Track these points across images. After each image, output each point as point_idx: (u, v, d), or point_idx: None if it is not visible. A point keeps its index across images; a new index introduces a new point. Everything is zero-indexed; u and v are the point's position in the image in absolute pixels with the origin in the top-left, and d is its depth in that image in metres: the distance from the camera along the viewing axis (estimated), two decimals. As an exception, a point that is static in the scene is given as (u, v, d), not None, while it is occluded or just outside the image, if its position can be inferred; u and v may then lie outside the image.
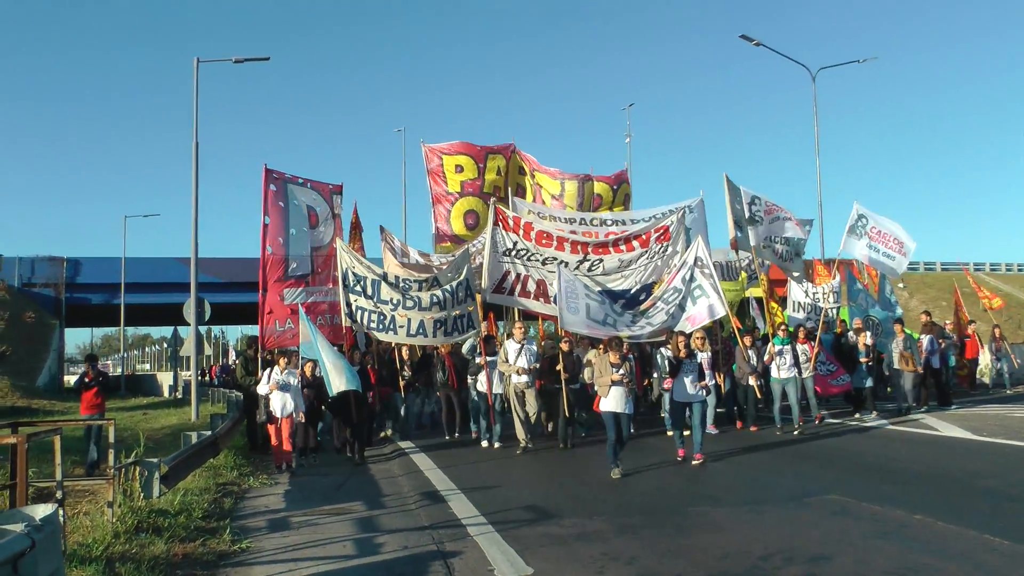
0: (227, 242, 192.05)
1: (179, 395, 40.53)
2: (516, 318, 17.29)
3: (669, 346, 13.45)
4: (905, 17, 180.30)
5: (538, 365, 14.93)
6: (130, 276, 47.54)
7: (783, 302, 20.41)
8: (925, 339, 19.81)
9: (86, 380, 15.42)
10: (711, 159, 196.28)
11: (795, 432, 15.33)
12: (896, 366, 18.41)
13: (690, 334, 13.67)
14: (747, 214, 18.88)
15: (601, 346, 14.22)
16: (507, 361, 14.87)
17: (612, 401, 11.67)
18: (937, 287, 55.12)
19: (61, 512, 6.68)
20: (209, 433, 13.48)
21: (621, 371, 11.67)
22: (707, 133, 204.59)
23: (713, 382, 15.52)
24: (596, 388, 12.10)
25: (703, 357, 14.26)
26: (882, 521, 8.39)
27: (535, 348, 15.37)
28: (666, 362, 13.18)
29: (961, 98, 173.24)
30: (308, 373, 14.66)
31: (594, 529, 8.48)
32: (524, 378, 14.72)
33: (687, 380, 12.52)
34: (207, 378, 44.84)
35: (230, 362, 35.21)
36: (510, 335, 15.92)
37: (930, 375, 19.56)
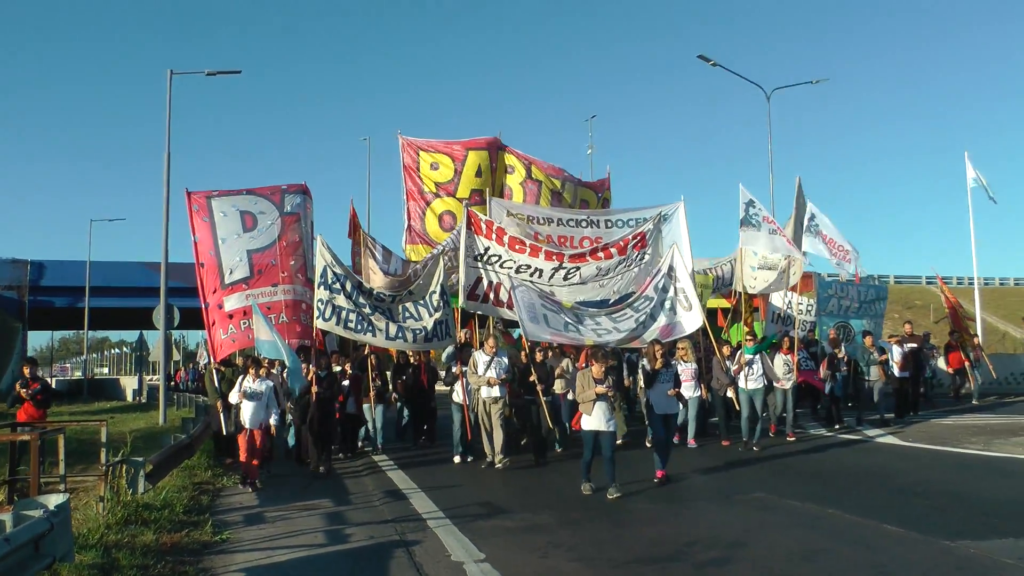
0: (187, 247, 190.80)
1: (143, 400, 40.90)
2: (491, 327, 16.83)
3: (644, 354, 12.76)
4: (855, 42, 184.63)
5: (506, 376, 14.09)
6: (95, 280, 47.79)
7: (754, 312, 20.66)
8: (897, 349, 19.87)
9: (27, 389, 13.82)
10: (668, 174, 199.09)
11: (754, 448, 14.88)
12: (870, 377, 18.34)
13: (670, 343, 13.37)
14: (742, 214, 18.12)
15: (582, 359, 14.52)
16: (476, 372, 14.10)
17: (594, 419, 10.98)
18: (890, 299, 56.70)
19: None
20: (184, 436, 14.25)
21: (606, 384, 11.00)
22: (666, 147, 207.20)
23: (697, 394, 15.38)
24: (579, 404, 11.31)
25: (685, 367, 14.20)
26: (797, 514, 9.47)
27: (506, 360, 14.30)
28: (641, 372, 12.61)
29: (905, 116, 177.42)
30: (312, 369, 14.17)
31: (541, 522, 9.46)
32: (495, 390, 13.94)
33: (662, 391, 11.92)
34: (172, 382, 45.16)
35: (201, 367, 35.60)
36: (481, 345, 14.90)
37: (906, 384, 19.66)
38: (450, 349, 16.32)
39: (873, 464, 13.13)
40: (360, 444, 16.66)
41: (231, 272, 15.99)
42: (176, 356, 42.05)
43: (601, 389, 10.93)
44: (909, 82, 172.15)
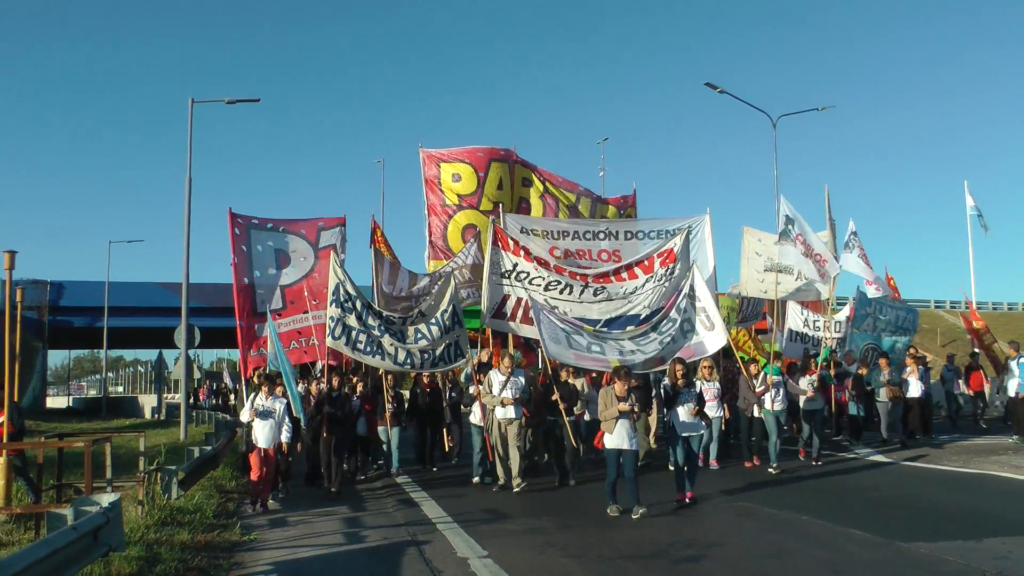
0: (206, 268, 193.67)
1: (161, 417, 41.91)
2: (510, 346, 16.54)
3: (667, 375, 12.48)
4: (861, 71, 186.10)
5: (522, 396, 13.56)
6: (113, 300, 48.77)
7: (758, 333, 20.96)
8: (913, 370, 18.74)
9: None
10: (678, 198, 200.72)
11: (772, 469, 14.45)
12: (882, 398, 17.83)
13: (693, 363, 13.29)
14: (780, 227, 17.96)
15: (605, 378, 13.89)
16: (490, 393, 13.65)
17: (616, 437, 10.86)
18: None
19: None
20: (210, 448, 15.22)
21: (628, 402, 10.88)
22: (674, 173, 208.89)
23: (720, 414, 15.22)
24: (601, 422, 11.26)
25: (708, 387, 14.06)
26: (774, 520, 10.36)
27: (523, 380, 13.79)
28: (662, 391, 12.48)
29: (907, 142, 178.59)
30: (318, 389, 14.44)
31: (540, 526, 10.38)
32: (510, 411, 13.43)
33: (683, 411, 11.61)
34: (195, 400, 45.94)
35: (225, 384, 36.57)
36: (499, 364, 14.33)
37: (918, 406, 18.59)
38: (467, 370, 16.08)
39: (856, 479, 13.90)
40: (376, 467, 16.47)
41: (263, 303, 16.68)
42: (197, 374, 42.95)
43: (624, 407, 10.81)
44: (910, 109, 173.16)
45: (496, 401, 13.50)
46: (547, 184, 20.27)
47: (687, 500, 11.35)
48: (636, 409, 11.00)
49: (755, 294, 19.75)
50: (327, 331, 14.73)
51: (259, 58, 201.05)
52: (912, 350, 20.33)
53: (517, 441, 13.41)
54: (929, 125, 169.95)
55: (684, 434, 11.60)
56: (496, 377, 13.68)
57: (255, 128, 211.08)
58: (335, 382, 14.35)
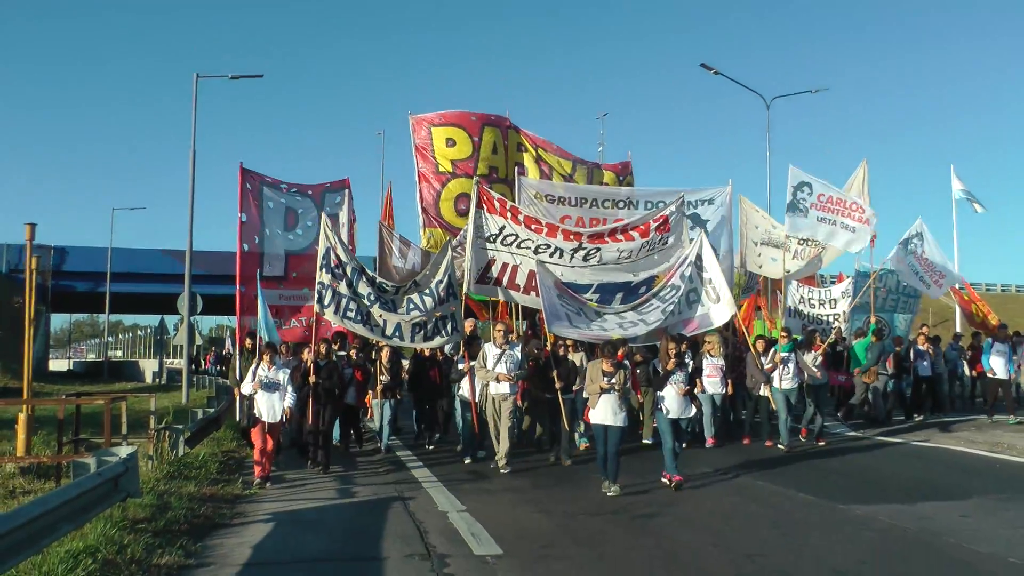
0: (207, 236, 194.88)
1: (162, 381, 42.90)
2: (514, 315, 16.22)
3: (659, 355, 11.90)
4: (854, 51, 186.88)
5: (519, 371, 12.84)
6: (116, 266, 49.73)
7: (757, 312, 20.78)
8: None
9: None
10: (673, 176, 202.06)
11: (781, 447, 14.27)
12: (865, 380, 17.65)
13: (684, 340, 12.49)
14: (790, 198, 17.60)
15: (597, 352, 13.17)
16: (484, 367, 12.86)
17: (600, 412, 10.64)
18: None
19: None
20: (212, 411, 16.17)
21: (612, 379, 10.61)
22: (668, 151, 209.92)
23: (723, 390, 14.65)
24: (587, 397, 11.04)
25: (711, 362, 14.00)
26: (729, 486, 11.30)
27: (518, 353, 13.00)
28: (651, 371, 12.06)
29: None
30: (309, 357, 13.58)
31: (517, 486, 11.37)
32: (504, 386, 12.69)
33: (674, 393, 11.07)
34: (200, 366, 46.55)
35: (227, 350, 37.47)
36: (493, 337, 13.44)
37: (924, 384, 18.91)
38: (451, 345, 15.29)
39: (820, 451, 14.52)
40: (364, 437, 16.16)
41: (270, 266, 16.39)
42: (198, 340, 43.92)
43: (605, 384, 10.58)
44: (901, 93, 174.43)
45: (491, 376, 12.72)
46: (539, 150, 19.74)
47: (673, 483, 10.82)
48: (618, 387, 10.61)
49: (752, 269, 19.95)
50: (316, 297, 13.71)
51: (263, 32, 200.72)
52: (925, 329, 20.48)
53: (509, 420, 12.76)
54: (917, 111, 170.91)
55: (672, 415, 11.09)
56: (491, 350, 12.87)
57: (259, 96, 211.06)
58: (322, 350, 13.69)
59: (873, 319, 18.61)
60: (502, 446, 12.67)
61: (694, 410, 11.51)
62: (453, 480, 11.80)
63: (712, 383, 14.26)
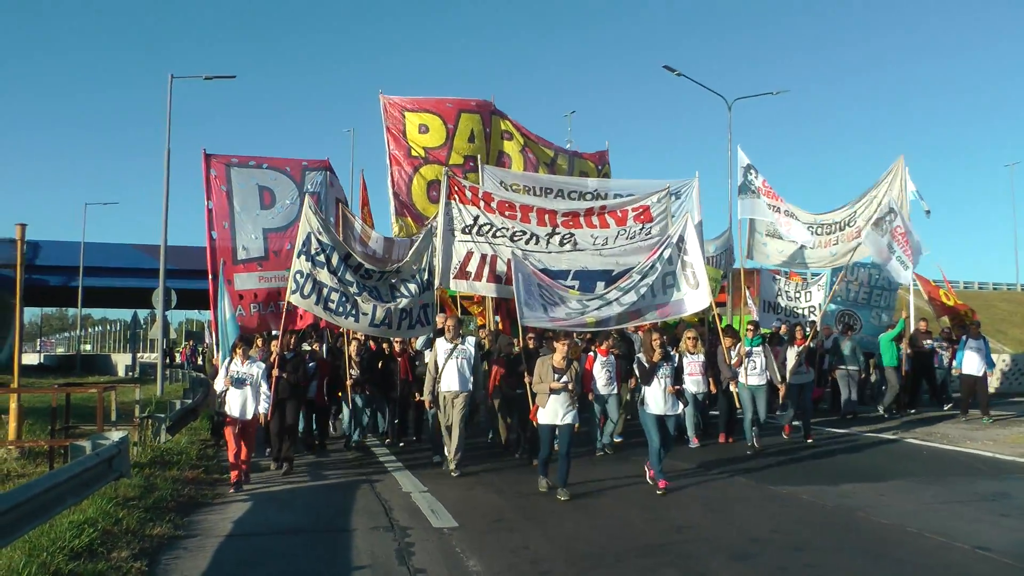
0: (180, 230, 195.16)
1: (135, 375, 43.36)
2: (489, 309, 16.07)
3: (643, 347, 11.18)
4: (814, 54, 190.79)
5: (469, 373, 12.20)
6: (89, 260, 50.01)
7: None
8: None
9: None
10: (637, 173, 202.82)
11: (752, 447, 13.69)
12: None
13: (673, 335, 12.04)
14: (740, 179, 17.40)
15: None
16: (435, 362, 12.30)
17: (549, 412, 10.30)
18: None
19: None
20: (190, 402, 16.98)
21: (564, 377, 10.30)
22: (633, 151, 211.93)
23: (705, 389, 14.12)
24: (537, 396, 10.61)
25: (692, 359, 13.55)
26: (675, 471, 12.20)
27: (471, 348, 12.41)
28: (636, 366, 11.13)
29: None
30: (275, 349, 12.88)
31: (476, 471, 12.29)
32: (455, 384, 12.08)
33: (659, 388, 10.46)
34: (174, 360, 46.86)
35: (207, 344, 38.08)
36: (442, 333, 12.82)
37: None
38: (424, 338, 14.80)
39: (774, 442, 14.93)
40: (333, 433, 15.96)
41: (245, 249, 15.62)
42: (171, 335, 44.44)
43: (556, 385, 10.27)
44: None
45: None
46: (527, 138, 19.27)
47: (659, 489, 10.40)
48: (572, 388, 10.35)
49: (760, 260, 19.19)
50: (293, 287, 12.75)
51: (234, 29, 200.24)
52: (923, 323, 20.14)
53: (461, 421, 12.10)
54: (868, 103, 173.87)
55: (658, 413, 10.51)
56: (442, 345, 12.31)
57: (233, 87, 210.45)
58: (290, 342, 13.24)
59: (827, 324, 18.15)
60: (452, 445, 12.13)
61: (681, 407, 10.94)
62: (417, 466, 12.76)
63: (694, 381, 13.72)
